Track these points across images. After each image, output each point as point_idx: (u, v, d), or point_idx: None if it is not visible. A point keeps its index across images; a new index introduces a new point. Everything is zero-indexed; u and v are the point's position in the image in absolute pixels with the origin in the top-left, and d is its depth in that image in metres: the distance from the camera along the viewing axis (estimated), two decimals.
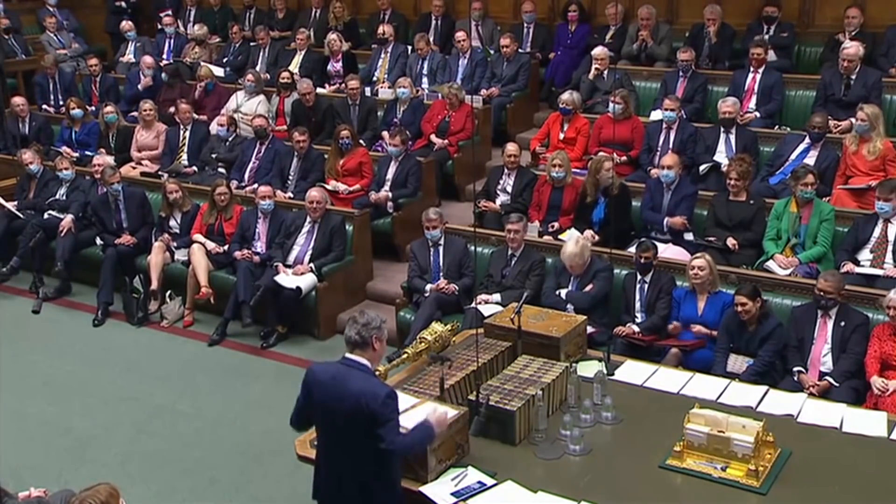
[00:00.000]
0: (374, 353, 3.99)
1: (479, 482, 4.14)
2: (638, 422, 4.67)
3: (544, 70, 10.40)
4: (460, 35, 10.19)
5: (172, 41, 12.12)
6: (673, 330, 6.21)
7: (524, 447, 4.45)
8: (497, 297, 6.82)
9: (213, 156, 9.39)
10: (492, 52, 10.40)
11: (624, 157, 8.26)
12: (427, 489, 4.10)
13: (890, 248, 6.44)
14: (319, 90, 10.12)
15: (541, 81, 10.41)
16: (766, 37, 9.14)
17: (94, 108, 10.74)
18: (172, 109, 9.98)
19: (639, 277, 6.49)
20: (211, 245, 8.04)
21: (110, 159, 9.41)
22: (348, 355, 3.99)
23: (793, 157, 7.63)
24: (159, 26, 12.31)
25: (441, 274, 7.19)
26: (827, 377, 5.66)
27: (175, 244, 8.25)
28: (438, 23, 11.16)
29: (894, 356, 5.52)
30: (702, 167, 7.92)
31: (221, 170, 9.23)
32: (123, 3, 12.98)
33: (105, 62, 12.21)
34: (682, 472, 4.22)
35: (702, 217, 7.29)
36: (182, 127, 9.71)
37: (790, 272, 6.52)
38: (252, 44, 11.54)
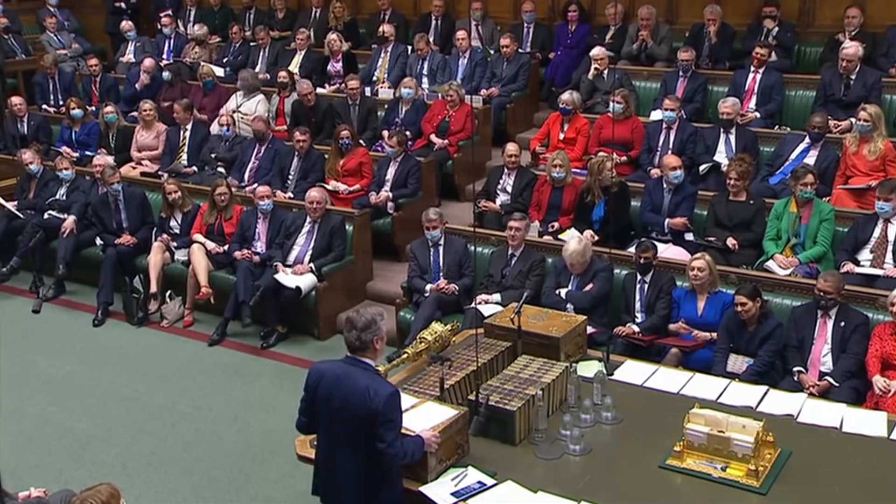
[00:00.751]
0: (376, 351, 4.05)
1: (479, 482, 4.15)
2: (638, 422, 4.67)
3: (544, 70, 10.40)
4: (460, 35, 10.20)
5: (172, 41, 12.12)
6: (682, 330, 6.20)
7: (524, 447, 4.45)
8: (497, 297, 6.81)
9: (213, 156, 9.39)
10: (492, 52, 10.39)
11: (624, 157, 8.26)
12: (427, 489, 4.11)
13: (890, 248, 6.44)
14: (319, 90, 10.12)
15: (541, 81, 10.40)
16: (772, 37, 9.11)
17: (94, 108, 10.73)
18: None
19: (639, 277, 6.48)
20: (211, 245, 8.04)
21: (110, 159, 9.40)
22: (351, 354, 4.03)
23: (793, 157, 7.63)
24: (159, 26, 12.31)
25: (441, 274, 7.19)
26: (827, 377, 5.65)
27: (175, 244, 8.25)
28: (438, 23, 11.16)
29: (895, 356, 5.52)
30: (702, 167, 7.92)
31: (221, 170, 9.23)
32: (123, 4, 12.99)
33: (105, 62, 12.21)
34: (682, 472, 4.22)
35: (702, 217, 7.29)
36: (182, 127, 9.71)
37: (790, 272, 6.51)
38: (252, 44, 11.54)
